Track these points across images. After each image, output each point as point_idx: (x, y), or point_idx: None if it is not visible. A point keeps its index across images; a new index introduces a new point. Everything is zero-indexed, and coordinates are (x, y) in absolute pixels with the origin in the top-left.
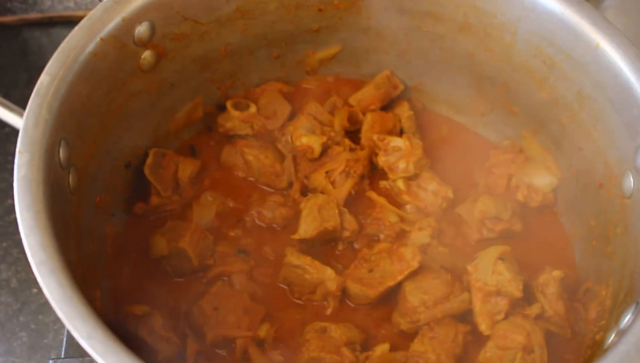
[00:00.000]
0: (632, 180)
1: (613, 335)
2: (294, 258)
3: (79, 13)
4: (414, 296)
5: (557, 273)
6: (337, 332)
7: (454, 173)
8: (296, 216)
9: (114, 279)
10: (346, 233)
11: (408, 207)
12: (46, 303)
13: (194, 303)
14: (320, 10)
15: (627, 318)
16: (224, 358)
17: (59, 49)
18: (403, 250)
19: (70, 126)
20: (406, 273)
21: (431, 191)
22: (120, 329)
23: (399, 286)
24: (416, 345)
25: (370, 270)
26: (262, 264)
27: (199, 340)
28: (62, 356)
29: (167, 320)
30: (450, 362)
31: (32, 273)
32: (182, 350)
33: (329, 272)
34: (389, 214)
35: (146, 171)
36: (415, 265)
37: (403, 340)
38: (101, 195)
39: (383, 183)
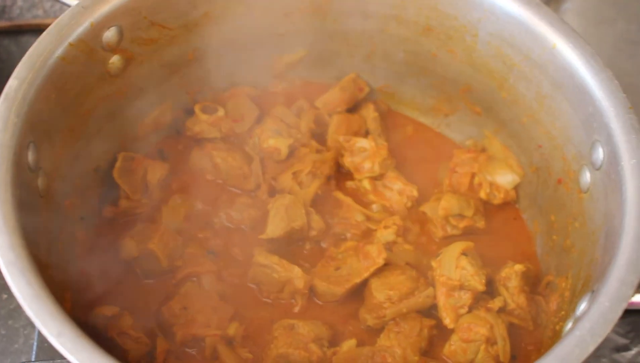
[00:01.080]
0: (588, 175)
1: (570, 323)
2: (262, 257)
3: (48, 21)
4: (380, 293)
5: (519, 267)
6: (305, 328)
7: (419, 173)
8: (264, 217)
9: (84, 281)
10: (313, 233)
11: (374, 206)
12: (16, 309)
13: (163, 303)
14: (286, 14)
15: (582, 306)
16: (194, 357)
17: (28, 53)
18: (369, 247)
19: (39, 129)
20: (372, 270)
21: (396, 191)
22: (90, 330)
23: (365, 283)
24: (382, 340)
25: (337, 268)
26: (231, 264)
27: (168, 339)
28: (33, 359)
29: (136, 320)
30: (415, 356)
31: (2, 278)
32: (151, 350)
33: (297, 271)
34: (355, 214)
35: (115, 174)
36: (380, 261)
37: (370, 335)
38: (71, 198)
39: (349, 183)
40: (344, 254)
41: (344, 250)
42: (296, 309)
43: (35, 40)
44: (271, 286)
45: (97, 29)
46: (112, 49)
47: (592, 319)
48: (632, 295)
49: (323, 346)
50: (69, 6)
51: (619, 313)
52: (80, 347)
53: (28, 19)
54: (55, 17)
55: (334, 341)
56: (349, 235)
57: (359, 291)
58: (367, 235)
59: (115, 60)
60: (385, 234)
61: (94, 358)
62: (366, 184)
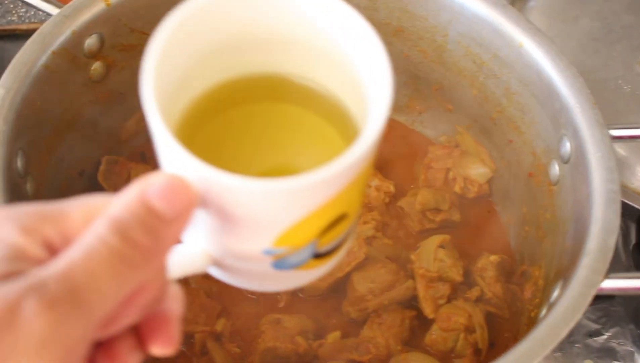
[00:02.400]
0: (557, 168)
1: (545, 310)
2: None
3: (23, 26)
4: (362, 286)
5: (494, 258)
6: (291, 322)
7: (395, 169)
8: None
9: None
10: None
11: None
12: None
13: None
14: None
15: (555, 293)
16: (184, 353)
17: (12, 62)
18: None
19: (27, 136)
20: (353, 264)
21: (374, 187)
22: None
23: (347, 277)
24: (366, 332)
25: None
26: None
27: None
28: None
29: None
30: (398, 345)
31: None
32: None
33: None
34: None
35: (100, 178)
36: (361, 256)
37: (353, 327)
38: None
39: None
40: None
41: None
42: (281, 304)
43: (10, 46)
44: None
45: (79, 36)
46: (94, 56)
47: (564, 305)
48: (601, 282)
49: (309, 339)
50: (43, 12)
51: (589, 298)
52: None
53: (2, 24)
54: (30, 22)
55: (318, 334)
56: None
57: (341, 286)
58: None
59: (97, 66)
60: (365, 229)
61: None
62: None
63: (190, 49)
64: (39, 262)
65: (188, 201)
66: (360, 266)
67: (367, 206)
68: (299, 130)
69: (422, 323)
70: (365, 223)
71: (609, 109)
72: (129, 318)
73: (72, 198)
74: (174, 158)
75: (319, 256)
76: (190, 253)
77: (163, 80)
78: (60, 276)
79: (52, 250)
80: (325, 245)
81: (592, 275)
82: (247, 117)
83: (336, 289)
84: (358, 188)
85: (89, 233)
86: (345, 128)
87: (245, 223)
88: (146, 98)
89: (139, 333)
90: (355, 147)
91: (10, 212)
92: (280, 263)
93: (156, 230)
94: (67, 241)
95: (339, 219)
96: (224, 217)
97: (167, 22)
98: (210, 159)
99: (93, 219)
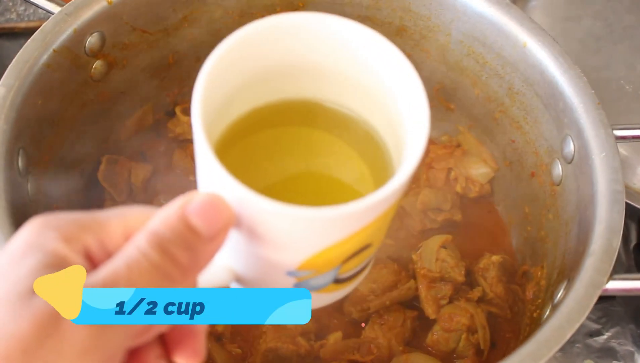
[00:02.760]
0: (560, 168)
1: (548, 311)
2: None
3: (21, 25)
4: (364, 286)
5: (496, 258)
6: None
7: None
8: None
9: None
10: None
11: None
12: None
13: None
14: (262, 17)
15: (559, 294)
16: None
17: (14, 61)
18: None
19: (27, 135)
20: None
21: None
22: None
23: None
24: (367, 332)
25: None
26: None
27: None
28: None
29: None
30: (400, 346)
31: None
32: None
33: None
34: None
35: (100, 177)
36: None
37: (354, 328)
38: (58, 202)
39: None
40: None
41: None
42: None
43: (9, 44)
44: None
45: (80, 35)
46: (95, 55)
47: (569, 306)
48: (606, 282)
49: (310, 339)
50: (44, 10)
51: (594, 299)
52: None
53: (1, 22)
54: (29, 20)
55: (320, 334)
56: None
57: None
58: None
59: (98, 65)
60: None
61: None
62: None
63: (236, 74)
64: None
65: (226, 221)
66: None
67: None
68: (327, 155)
69: (424, 323)
70: None
71: (611, 109)
72: (161, 328)
73: (73, 197)
74: (214, 176)
75: (339, 281)
76: (215, 267)
77: (209, 102)
78: (103, 285)
79: (91, 260)
80: (347, 272)
81: (597, 275)
82: (279, 138)
83: None
84: (386, 220)
85: (130, 245)
86: (373, 156)
87: (274, 246)
88: (194, 118)
89: (165, 343)
90: (391, 183)
91: (50, 220)
92: (302, 285)
93: (195, 247)
94: (106, 252)
95: (364, 248)
96: (254, 237)
97: (218, 49)
98: (238, 175)
99: (132, 232)
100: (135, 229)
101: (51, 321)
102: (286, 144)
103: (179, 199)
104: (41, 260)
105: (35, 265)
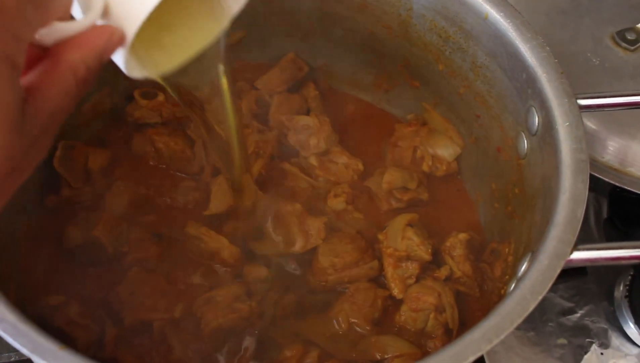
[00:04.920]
0: (525, 142)
1: (513, 285)
2: (192, 229)
3: None
4: (325, 258)
5: (463, 236)
6: (221, 295)
7: (362, 149)
8: (209, 198)
9: (28, 272)
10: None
11: (320, 179)
12: None
13: (110, 289)
14: None
15: (523, 267)
16: (143, 341)
17: None
18: (310, 222)
19: None
20: (308, 248)
21: (342, 164)
22: (37, 322)
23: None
24: (336, 310)
25: None
26: (176, 246)
27: (117, 325)
28: None
29: (84, 308)
30: (367, 326)
31: None
32: (100, 337)
33: (223, 241)
34: (300, 182)
35: (55, 163)
36: (318, 241)
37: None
38: None
39: (294, 160)
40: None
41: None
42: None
43: None
44: (202, 258)
45: None
46: None
47: (532, 277)
48: (570, 253)
49: (245, 301)
50: None
51: (557, 270)
52: (22, 332)
53: None
54: None
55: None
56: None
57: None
58: (313, 200)
59: None
60: (336, 203)
61: (36, 341)
62: (313, 160)
63: None
64: None
65: None
66: (329, 238)
67: (335, 184)
68: None
69: (396, 303)
70: (336, 196)
71: (578, 82)
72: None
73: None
74: None
75: None
76: None
77: None
78: None
79: None
80: None
81: (561, 246)
82: None
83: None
84: None
85: None
86: None
87: None
88: None
89: None
90: None
91: None
92: None
93: None
94: None
95: None
96: None
97: None
98: None
99: None
100: None
101: None
102: None
103: None
104: None
105: None
